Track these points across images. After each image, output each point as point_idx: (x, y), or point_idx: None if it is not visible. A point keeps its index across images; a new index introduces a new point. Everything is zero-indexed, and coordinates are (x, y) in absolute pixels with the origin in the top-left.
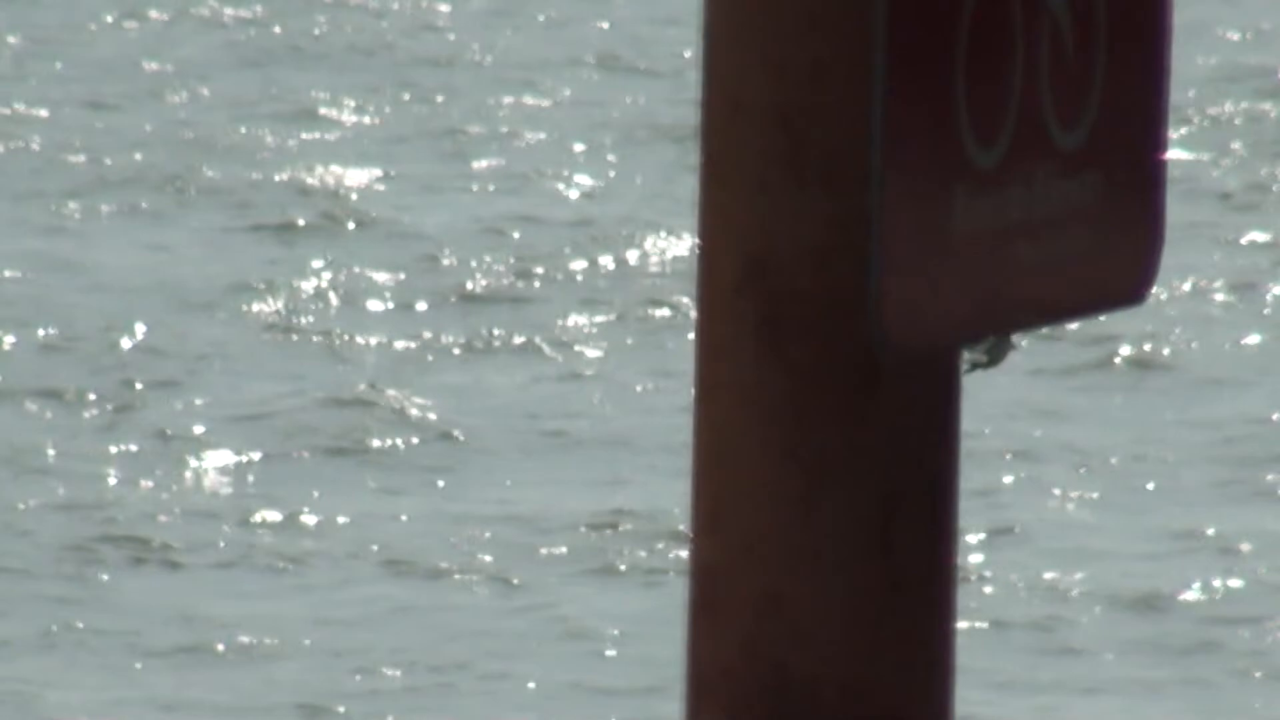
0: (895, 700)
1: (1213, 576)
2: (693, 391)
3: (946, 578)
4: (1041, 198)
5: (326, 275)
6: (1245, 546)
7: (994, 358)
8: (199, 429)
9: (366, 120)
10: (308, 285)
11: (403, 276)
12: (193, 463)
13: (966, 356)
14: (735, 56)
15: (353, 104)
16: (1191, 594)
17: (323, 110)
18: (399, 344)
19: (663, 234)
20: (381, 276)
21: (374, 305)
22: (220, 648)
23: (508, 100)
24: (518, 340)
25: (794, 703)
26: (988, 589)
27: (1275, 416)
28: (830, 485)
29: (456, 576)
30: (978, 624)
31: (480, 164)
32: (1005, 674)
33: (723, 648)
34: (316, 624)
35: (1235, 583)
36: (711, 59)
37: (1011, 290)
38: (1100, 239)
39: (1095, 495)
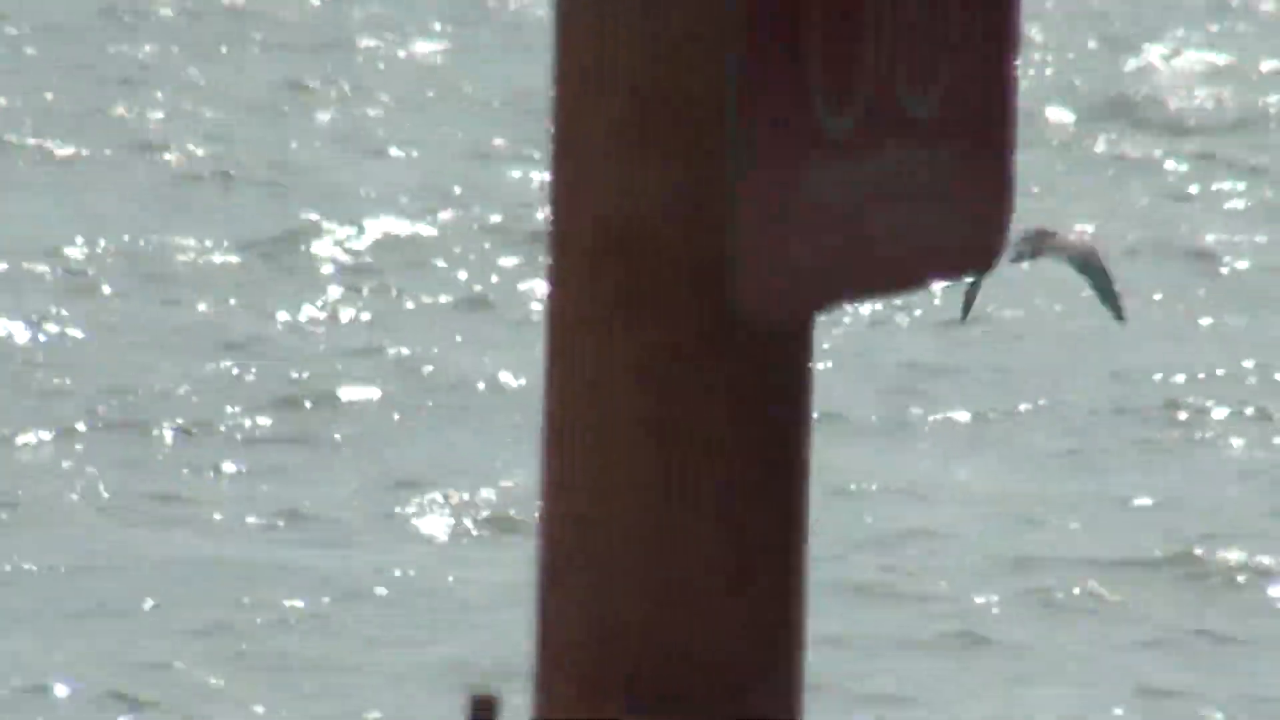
0: (746, 669)
1: (1087, 534)
2: (544, 359)
3: (798, 545)
4: (894, 165)
5: (203, 234)
6: (1118, 503)
7: (1034, 251)
8: (73, 384)
9: (229, 78)
10: (185, 243)
11: (281, 241)
12: (71, 421)
13: (1013, 246)
14: (588, 25)
15: (206, 63)
16: (1068, 552)
17: (176, 68)
18: (272, 309)
19: (520, 199)
20: (265, 240)
21: (256, 266)
22: (116, 598)
23: (367, 59)
24: (406, 304)
25: (644, 673)
26: (855, 551)
27: (1158, 377)
28: (681, 453)
29: (352, 536)
30: (839, 586)
31: (341, 124)
32: (882, 636)
33: (573, 618)
34: (209, 568)
35: (1108, 538)
36: (564, 27)
37: (865, 257)
38: (951, 206)
39: (962, 455)
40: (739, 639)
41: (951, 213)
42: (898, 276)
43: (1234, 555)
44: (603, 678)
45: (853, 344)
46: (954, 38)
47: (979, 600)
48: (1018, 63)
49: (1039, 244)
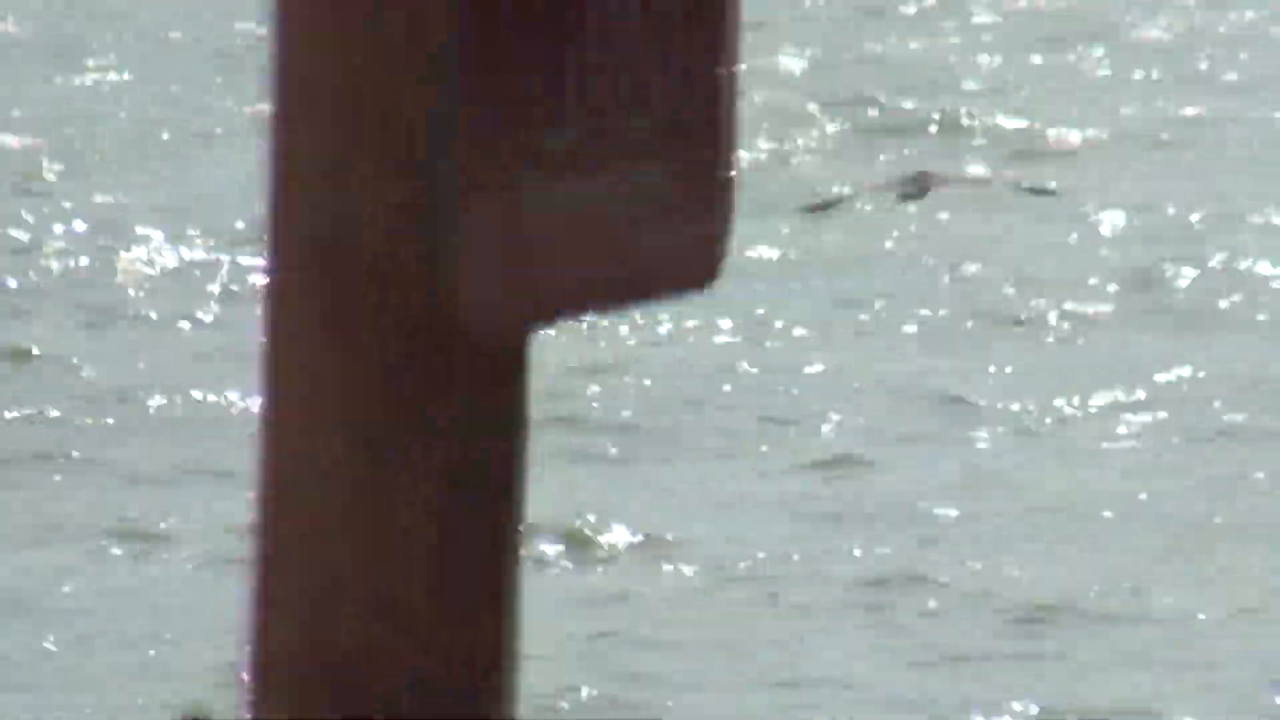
0: (459, 687)
1: (846, 547)
2: (260, 373)
3: (512, 563)
4: (614, 181)
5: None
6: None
7: (920, 190)
8: None
9: None
10: None
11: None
12: None
13: (898, 190)
14: (304, 34)
15: None
16: (829, 567)
17: None
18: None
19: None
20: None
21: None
22: None
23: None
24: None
25: (357, 690)
26: (613, 562)
27: (927, 383)
28: (396, 471)
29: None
30: (592, 597)
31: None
32: (648, 641)
33: (286, 635)
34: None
35: (863, 549)
36: (280, 36)
37: (585, 273)
38: (671, 221)
39: (726, 463)
40: (451, 654)
41: (671, 228)
42: (618, 292)
43: (969, 570)
44: (314, 693)
45: (617, 351)
46: (673, 52)
47: (743, 608)
48: (737, 76)
49: (924, 183)
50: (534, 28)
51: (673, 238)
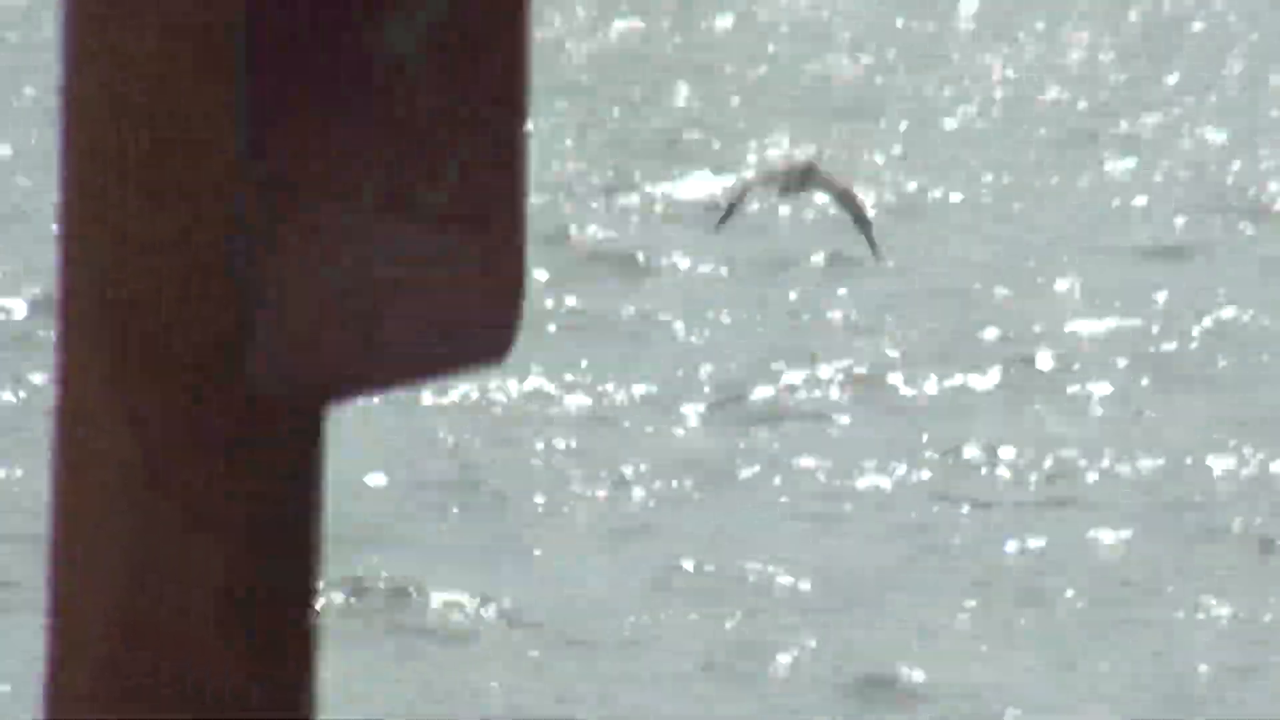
0: None
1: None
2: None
3: (307, 620)
4: (407, 257)
5: None
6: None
7: (801, 184)
8: None
9: None
10: None
11: None
12: None
13: (781, 181)
14: (95, 99)
15: None
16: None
17: None
18: None
19: None
20: None
21: None
22: None
23: None
24: None
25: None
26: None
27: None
28: (189, 528)
29: None
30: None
31: None
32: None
33: (80, 679)
34: None
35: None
36: (70, 96)
37: (379, 349)
38: (464, 298)
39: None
40: (249, 704)
41: (464, 305)
42: (411, 369)
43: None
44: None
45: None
46: (467, 127)
47: (573, 672)
48: (528, 153)
49: (806, 179)
50: (327, 98)
51: (466, 313)
